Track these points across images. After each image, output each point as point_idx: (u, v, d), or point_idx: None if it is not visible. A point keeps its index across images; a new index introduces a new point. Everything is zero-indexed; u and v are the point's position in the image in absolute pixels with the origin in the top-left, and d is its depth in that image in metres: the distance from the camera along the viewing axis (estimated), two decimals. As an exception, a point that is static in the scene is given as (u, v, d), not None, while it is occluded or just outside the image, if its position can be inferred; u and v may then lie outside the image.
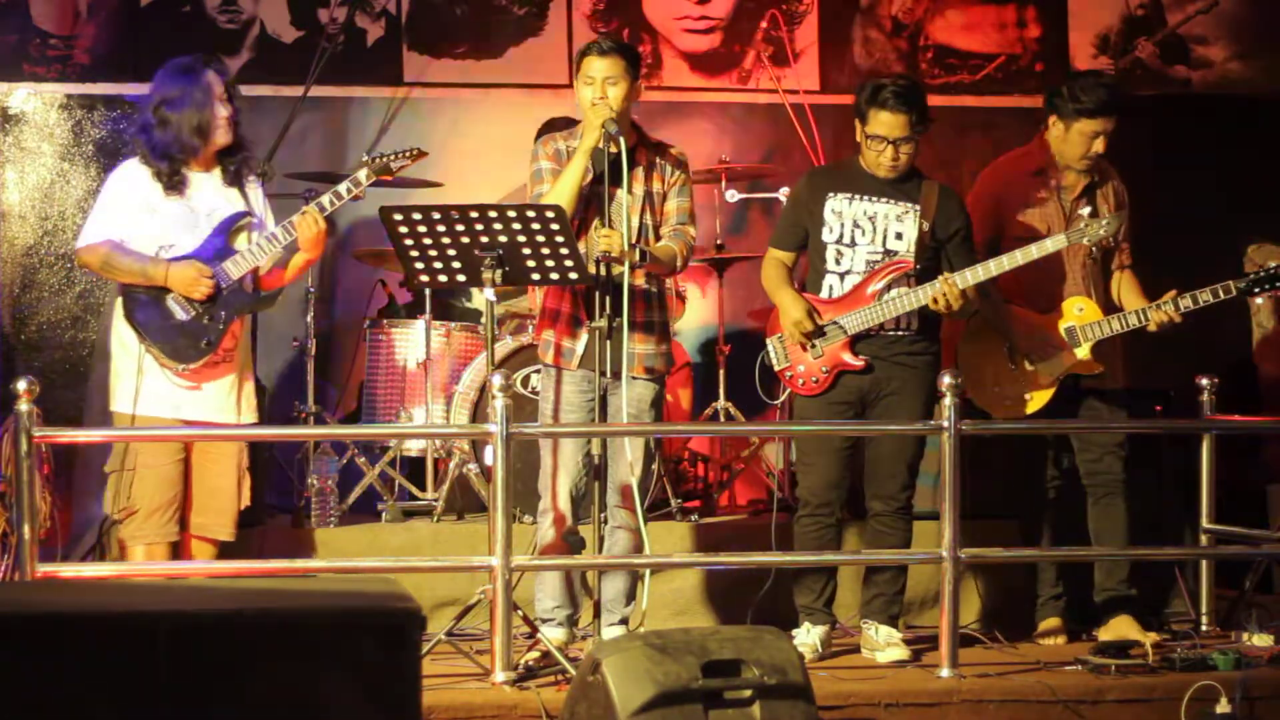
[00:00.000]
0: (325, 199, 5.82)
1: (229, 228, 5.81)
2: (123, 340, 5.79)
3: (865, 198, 5.98)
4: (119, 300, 5.81)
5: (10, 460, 5.28)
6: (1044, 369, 6.12)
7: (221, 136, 5.80)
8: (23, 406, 5.17)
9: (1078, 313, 6.11)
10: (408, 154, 5.87)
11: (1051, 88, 6.27)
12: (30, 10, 7.74)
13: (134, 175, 5.81)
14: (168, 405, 5.74)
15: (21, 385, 5.18)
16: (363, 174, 5.86)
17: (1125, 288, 6.27)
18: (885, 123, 5.89)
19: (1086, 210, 6.03)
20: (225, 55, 7.76)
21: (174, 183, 5.77)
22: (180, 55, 5.93)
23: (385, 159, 5.86)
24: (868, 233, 5.97)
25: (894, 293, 5.93)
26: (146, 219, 5.76)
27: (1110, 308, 6.18)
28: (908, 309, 5.92)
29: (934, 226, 5.97)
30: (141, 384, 5.70)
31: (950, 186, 6.16)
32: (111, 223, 5.78)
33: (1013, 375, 6.15)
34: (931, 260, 6.01)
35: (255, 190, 5.93)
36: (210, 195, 5.83)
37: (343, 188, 5.83)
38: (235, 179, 5.87)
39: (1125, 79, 8.16)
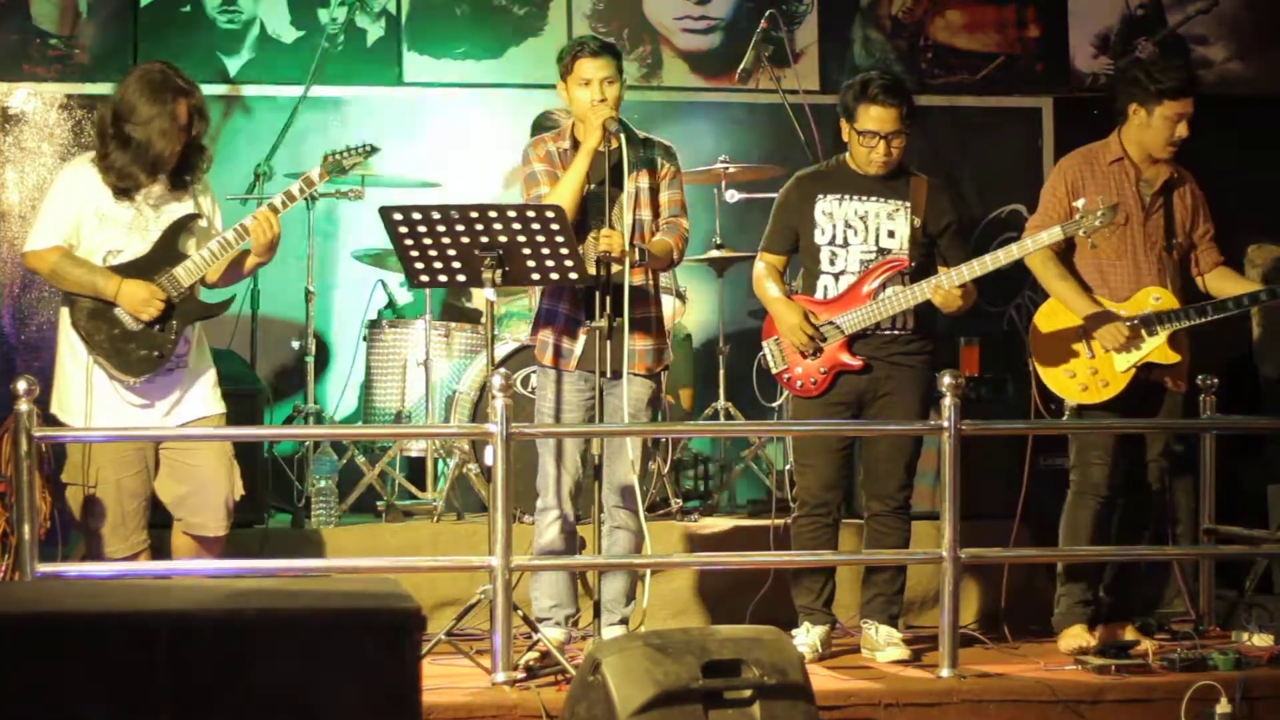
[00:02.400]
0: (277, 199, 5.65)
1: (178, 231, 5.64)
2: (72, 348, 5.61)
3: (855, 197, 5.98)
4: (64, 309, 5.63)
5: (10, 460, 5.27)
6: (1121, 357, 6.01)
7: (168, 166, 5.62)
8: (23, 406, 5.16)
9: (1154, 302, 6.02)
10: (360, 150, 5.78)
11: (1127, 74, 6.15)
12: (30, 10, 7.74)
13: (83, 178, 5.61)
14: (122, 419, 5.58)
15: (21, 385, 5.16)
16: (315, 172, 5.74)
17: (1227, 279, 6.17)
18: (876, 117, 5.88)
19: (1081, 202, 5.91)
20: (225, 55, 7.81)
21: (124, 190, 5.58)
22: (156, 61, 5.74)
23: (338, 156, 5.76)
24: (860, 232, 5.97)
25: (889, 291, 5.93)
26: (95, 223, 5.59)
27: (1190, 301, 6.08)
28: (905, 306, 5.91)
29: (925, 222, 5.97)
30: (92, 404, 5.54)
31: (940, 182, 6.12)
32: (60, 227, 5.58)
33: (1089, 361, 6.02)
34: (925, 256, 6.01)
35: (205, 192, 5.76)
36: (159, 198, 5.65)
37: (295, 187, 5.68)
38: (183, 182, 5.68)
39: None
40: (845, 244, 5.98)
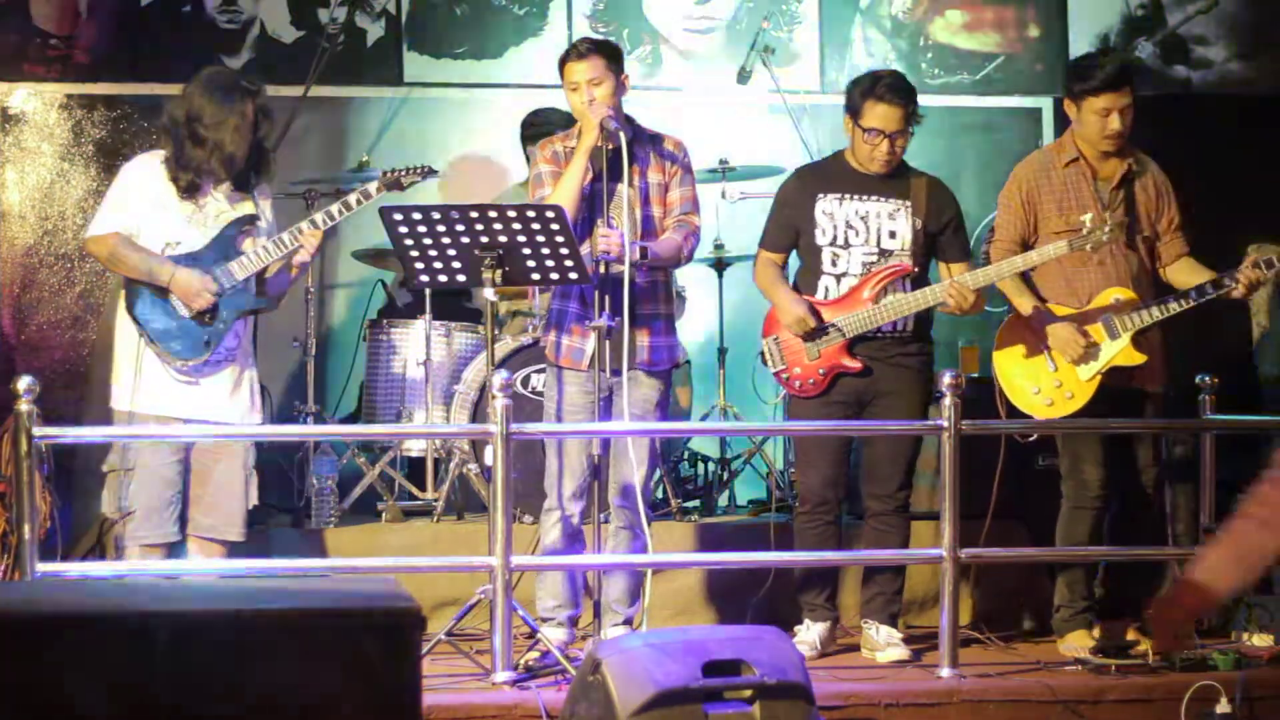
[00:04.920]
0: (335, 208, 5.83)
1: (236, 230, 5.81)
2: (125, 333, 5.79)
3: (856, 197, 5.97)
4: (121, 293, 5.81)
5: (10, 460, 5.28)
6: (1084, 366, 5.94)
7: (241, 165, 5.81)
8: (23, 406, 5.17)
9: (1114, 303, 5.95)
10: (419, 170, 5.96)
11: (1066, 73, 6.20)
12: (30, 10, 7.74)
13: (150, 171, 5.80)
14: (166, 403, 5.74)
15: (21, 385, 5.18)
16: (373, 186, 5.91)
17: (1189, 271, 6.07)
18: (882, 115, 5.88)
19: (1088, 217, 5.84)
20: (225, 55, 7.81)
21: (192, 188, 5.77)
22: (219, 66, 6.05)
23: (397, 174, 5.93)
24: (861, 233, 5.97)
25: (894, 296, 5.92)
26: (157, 215, 5.76)
27: (1158, 297, 6.01)
28: (908, 312, 5.90)
29: (926, 222, 5.96)
30: (139, 383, 5.70)
31: (940, 180, 6.11)
32: (121, 216, 5.77)
33: (1052, 375, 5.96)
34: (927, 257, 6.00)
35: (265, 196, 5.94)
36: (221, 197, 5.83)
37: (352, 199, 5.86)
38: (246, 184, 5.86)
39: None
40: (847, 245, 5.97)
